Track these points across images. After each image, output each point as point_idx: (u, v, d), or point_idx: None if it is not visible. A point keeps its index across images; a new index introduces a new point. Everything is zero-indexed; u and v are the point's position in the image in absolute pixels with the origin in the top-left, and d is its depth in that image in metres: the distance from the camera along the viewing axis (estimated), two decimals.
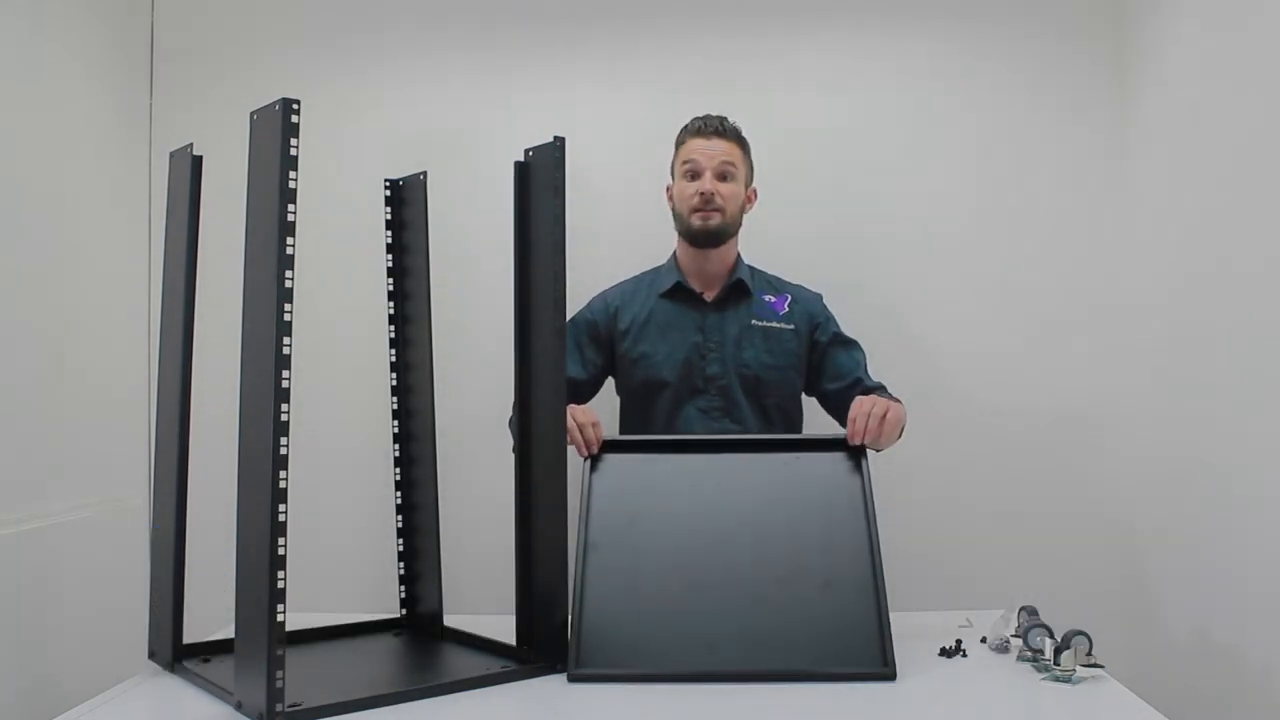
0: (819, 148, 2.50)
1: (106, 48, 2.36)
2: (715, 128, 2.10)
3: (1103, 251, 2.47)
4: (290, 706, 1.30)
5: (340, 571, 2.37)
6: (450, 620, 1.77)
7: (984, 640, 1.67)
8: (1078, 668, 1.49)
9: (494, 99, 2.51)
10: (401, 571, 1.85)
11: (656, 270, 2.22)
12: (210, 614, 1.70)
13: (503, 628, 1.65)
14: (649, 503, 1.71)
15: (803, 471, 1.74)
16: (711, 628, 1.54)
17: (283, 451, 1.29)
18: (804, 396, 2.20)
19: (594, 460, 1.78)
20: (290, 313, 1.30)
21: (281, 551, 1.28)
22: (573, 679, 1.50)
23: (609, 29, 2.53)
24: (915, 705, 1.43)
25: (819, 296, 2.23)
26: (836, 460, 1.76)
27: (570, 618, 1.56)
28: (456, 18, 2.54)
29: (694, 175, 2.09)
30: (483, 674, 1.50)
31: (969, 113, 2.50)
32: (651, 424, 2.11)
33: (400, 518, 1.84)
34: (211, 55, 2.52)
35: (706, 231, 2.09)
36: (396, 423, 1.84)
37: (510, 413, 1.85)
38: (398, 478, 1.84)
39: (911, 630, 1.61)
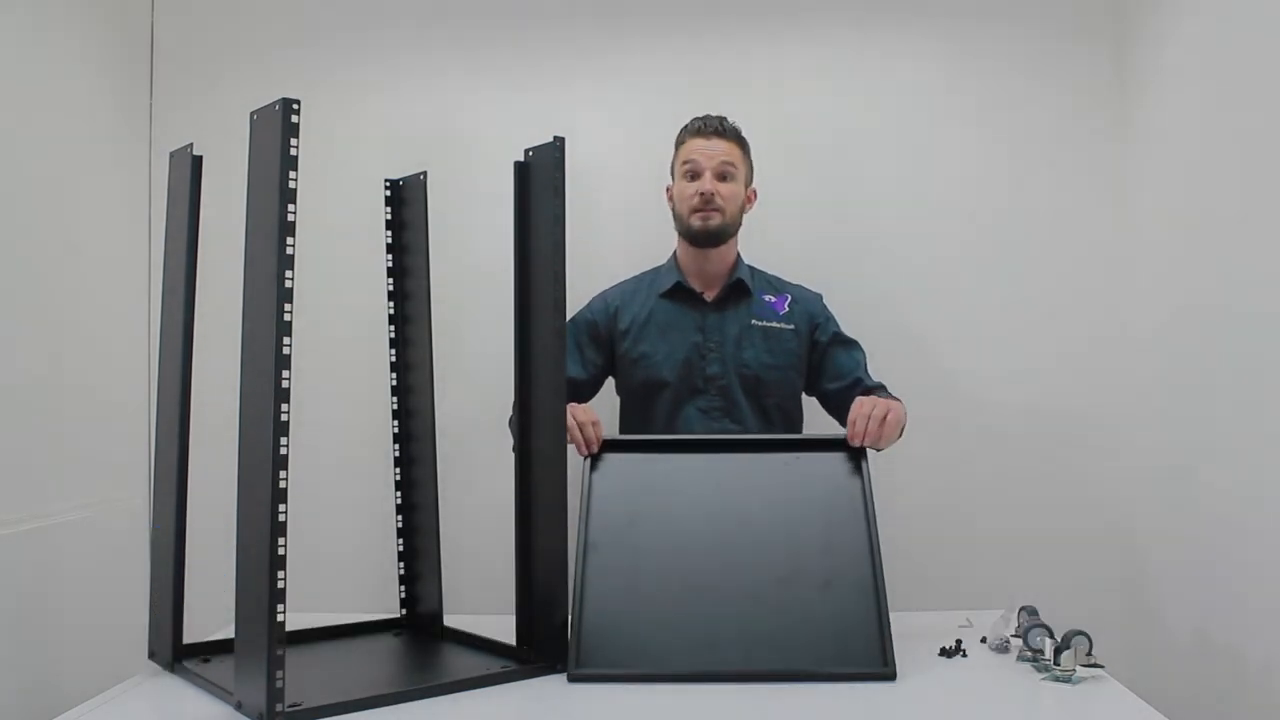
0: (819, 147, 2.51)
1: (107, 47, 2.36)
2: (715, 128, 2.10)
3: (1103, 251, 2.47)
4: (290, 706, 1.30)
5: (340, 571, 2.37)
6: (450, 620, 1.77)
7: (984, 640, 1.67)
8: (1078, 668, 1.49)
9: (494, 99, 2.51)
10: (401, 571, 1.85)
11: (656, 270, 2.22)
12: (210, 614, 1.70)
13: (503, 628, 1.65)
14: (649, 503, 1.71)
15: (803, 471, 1.74)
16: (711, 628, 1.54)
17: (283, 451, 1.29)
18: (804, 396, 2.20)
19: (594, 460, 1.78)
20: (290, 313, 1.30)
21: (281, 551, 1.28)
22: (573, 679, 1.50)
23: (609, 29, 2.54)
24: (915, 705, 1.43)
25: (819, 296, 2.23)
26: (836, 460, 1.76)
27: (570, 618, 1.56)
28: (457, 18, 2.54)
29: (694, 175, 2.09)
30: (483, 674, 1.50)
31: (969, 112, 2.50)
32: (651, 424, 2.11)
33: (400, 518, 1.84)
34: (211, 55, 2.52)
35: (706, 231, 2.09)
36: (396, 423, 1.84)
37: (510, 413, 1.85)
38: (398, 478, 1.84)
39: (911, 630, 1.61)
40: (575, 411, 1.79)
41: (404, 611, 1.85)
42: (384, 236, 1.84)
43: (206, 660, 1.57)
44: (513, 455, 1.70)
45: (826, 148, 2.51)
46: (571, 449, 1.72)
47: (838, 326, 2.19)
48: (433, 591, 1.78)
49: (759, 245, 2.25)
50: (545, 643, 1.56)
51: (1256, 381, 1.89)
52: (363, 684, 1.49)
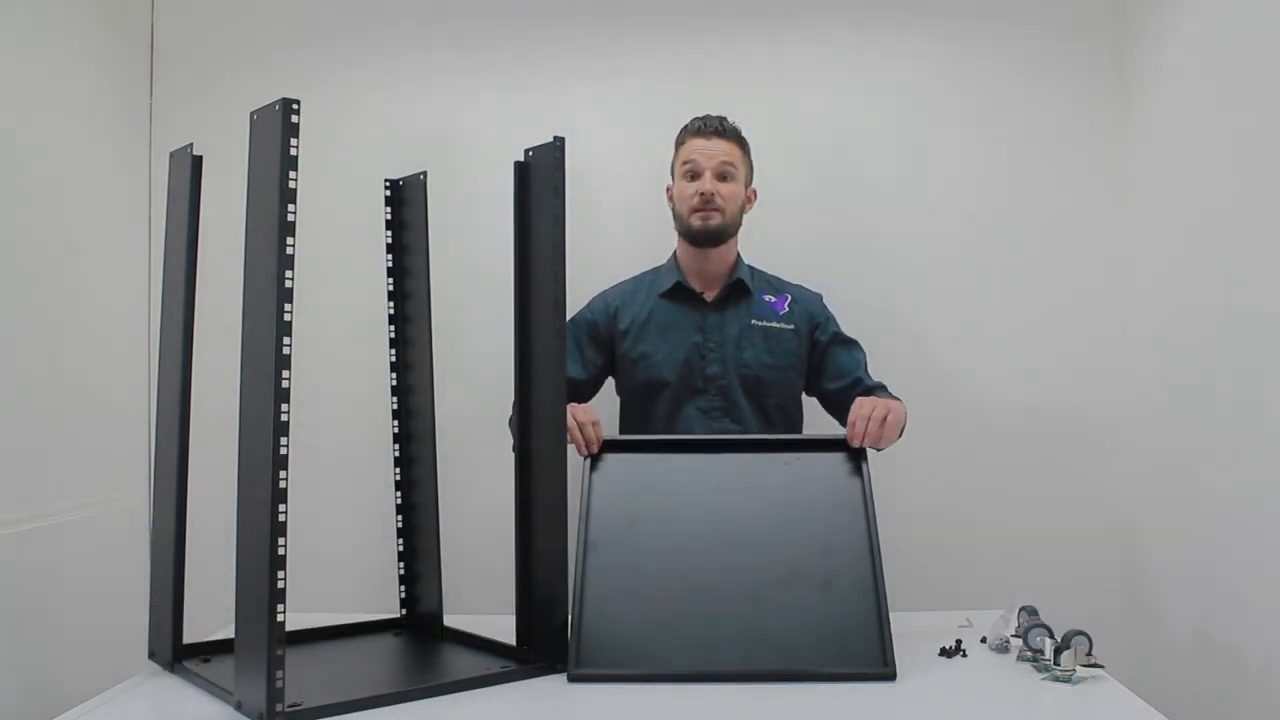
0: (819, 147, 2.51)
1: (107, 47, 2.36)
2: (715, 128, 2.10)
3: (1103, 251, 2.47)
4: (290, 706, 1.30)
5: (340, 571, 2.37)
6: (450, 620, 1.77)
7: (984, 640, 1.67)
8: (1078, 668, 1.49)
9: (494, 99, 2.51)
10: (401, 571, 1.85)
11: (656, 270, 2.22)
12: (210, 614, 1.70)
13: (503, 628, 1.65)
14: (649, 503, 1.71)
15: (803, 472, 1.74)
16: (711, 628, 1.54)
17: (283, 451, 1.29)
18: (804, 396, 2.20)
19: (594, 460, 1.78)
20: (290, 313, 1.30)
21: (281, 551, 1.28)
22: (573, 679, 1.50)
23: (609, 29, 2.53)
24: (915, 705, 1.43)
25: (819, 296, 2.23)
26: (837, 460, 1.76)
27: (570, 618, 1.56)
28: (457, 18, 2.54)
29: (694, 175, 2.09)
30: (483, 674, 1.50)
31: (969, 112, 2.50)
32: (651, 424, 2.11)
33: (400, 518, 1.84)
34: (211, 55, 2.52)
35: (706, 231, 2.09)
36: (396, 423, 1.84)
37: (510, 413, 1.85)
38: (398, 478, 1.84)
39: (911, 630, 1.61)
40: (575, 411, 1.79)
41: (404, 611, 1.85)
42: (384, 236, 1.84)
43: (206, 660, 1.57)
44: (513, 455, 1.70)
45: (826, 148, 2.51)
46: (571, 449, 1.72)
47: (838, 326, 2.19)
48: (433, 591, 1.78)
49: (759, 245, 2.25)
50: (545, 643, 1.56)
51: (1256, 381, 1.89)
52: (363, 684, 1.49)
